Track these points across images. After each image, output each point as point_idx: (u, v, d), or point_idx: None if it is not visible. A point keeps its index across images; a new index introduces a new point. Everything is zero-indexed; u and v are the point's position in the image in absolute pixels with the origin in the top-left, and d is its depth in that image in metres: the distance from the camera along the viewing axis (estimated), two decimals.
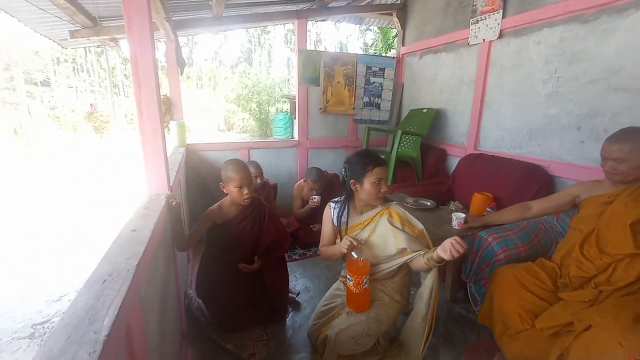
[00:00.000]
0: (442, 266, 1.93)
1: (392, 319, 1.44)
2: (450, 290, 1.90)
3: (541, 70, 2.05)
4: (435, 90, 3.00)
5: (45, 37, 2.64)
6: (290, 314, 1.80)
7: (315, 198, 2.47)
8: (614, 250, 1.25)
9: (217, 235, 1.59)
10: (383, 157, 2.75)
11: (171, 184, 1.37)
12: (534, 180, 1.98)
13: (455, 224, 1.74)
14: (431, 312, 1.36)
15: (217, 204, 1.59)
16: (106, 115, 9.50)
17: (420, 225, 1.43)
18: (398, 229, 1.39)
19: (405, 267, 1.47)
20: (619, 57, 1.67)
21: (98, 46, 3.03)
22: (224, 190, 1.54)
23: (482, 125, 2.52)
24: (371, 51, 11.58)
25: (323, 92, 3.23)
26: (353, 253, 1.43)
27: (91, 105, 9.93)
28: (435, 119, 2.94)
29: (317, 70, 3.14)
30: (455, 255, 1.15)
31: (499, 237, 1.61)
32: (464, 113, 2.68)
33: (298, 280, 2.14)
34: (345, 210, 1.51)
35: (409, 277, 1.56)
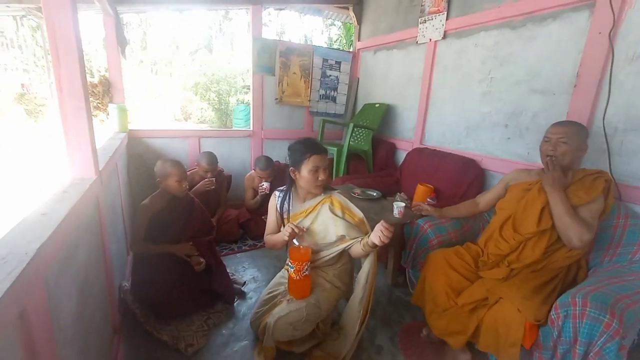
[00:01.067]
0: (385, 253, 2.04)
1: (333, 305, 1.48)
2: (392, 276, 2.01)
3: (478, 70, 2.22)
4: (387, 86, 3.11)
5: None
6: (236, 303, 1.79)
7: (264, 185, 2.45)
8: (524, 230, 1.41)
9: (149, 227, 1.69)
10: (334, 147, 2.81)
11: (101, 169, 1.28)
12: (467, 173, 2.15)
13: (395, 212, 1.84)
14: (367, 295, 1.42)
15: (147, 199, 1.74)
16: (42, 98, 8.50)
17: (360, 214, 1.48)
18: (338, 216, 1.43)
19: (347, 255, 1.52)
20: (539, 62, 1.86)
21: (24, 16, 2.70)
22: (160, 185, 1.74)
23: (427, 121, 2.67)
24: (335, 46, 11.62)
25: (279, 82, 3.19)
26: (295, 240, 1.45)
27: (23, 85, 8.82)
28: (386, 114, 3.05)
29: (272, 59, 3.10)
30: (385, 240, 1.21)
31: (433, 224, 1.74)
32: (412, 109, 2.82)
33: (246, 271, 2.12)
34: (289, 198, 1.52)
35: (351, 264, 1.61)
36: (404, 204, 1.85)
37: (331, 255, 1.47)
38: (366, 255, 1.43)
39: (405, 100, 2.90)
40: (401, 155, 2.93)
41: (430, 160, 2.43)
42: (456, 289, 1.44)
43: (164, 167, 1.71)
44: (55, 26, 1.01)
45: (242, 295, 1.86)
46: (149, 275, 1.60)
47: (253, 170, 2.61)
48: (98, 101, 2.49)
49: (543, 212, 1.37)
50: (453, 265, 1.49)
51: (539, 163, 1.49)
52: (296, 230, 1.39)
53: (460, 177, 2.17)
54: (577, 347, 1.04)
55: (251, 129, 3.22)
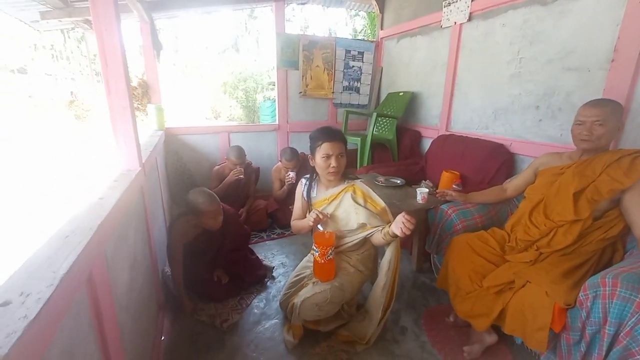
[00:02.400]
0: (409, 239, 2.05)
1: (356, 288, 1.53)
2: (416, 261, 2.02)
3: (506, 51, 2.14)
4: (411, 74, 3.07)
5: (16, 18, 2.59)
6: (266, 285, 1.91)
7: (290, 174, 2.54)
8: (557, 217, 1.37)
9: (186, 249, 1.65)
10: (357, 137, 2.83)
11: (143, 162, 1.42)
12: (496, 158, 2.10)
13: (419, 198, 1.85)
14: (390, 282, 1.45)
15: (181, 227, 1.60)
16: (88, 104, 9.25)
17: (382, 203, 1.49)
18: (360, 205, 1.46)
19: (370, 241, 1.56)
20: (572, 38, 1.76)
21: (72, 29, 2.98)
22: (194, 222, 1.60)
23: (453, 107, 2.61)
24: (360, 36, 11.46)
25: (302, 76, 3.26)
26: (319, 226, 1.52)
27: (72, 93, 9.64)
28: (410, 102, 3.02)
29: (296, 54, 3.17)
30: (406, 231, 1.22)
31: (457, 209, 1.73)
32: (437, 95, 2.76)
33: (275, 257, 2.24)
34: (313, 185, 1.59)
35: (375, 249, 1.64)
36: (427, 190, 1.85)
37: (354, 242, 1.51)
38: (387, 244, 1.45)
39: (430, 87, 2.85)
40: (427, 143, 2.89)
41: (457, 147, 2.39)
42: (480, 272, 1.43)
43: (195, 202, 1.54)
44: (103, 35, 1.14)
45: (272, 278, 1.98)
46: (189, 270, 1.69)
47: (279, 162, 2.71)
48: (138, 102, 2.71)
49: (579, 199, 1.32)
50: (476, 249, 1.49)
51: (573, 145, 1.43)
52: (320, 217, 1.45)
53: (488, 162, 2.11)
54: (607, 327, 1.01)
55: (277, 123, 3.32)
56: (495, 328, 1.38)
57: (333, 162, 1.41)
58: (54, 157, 5.87)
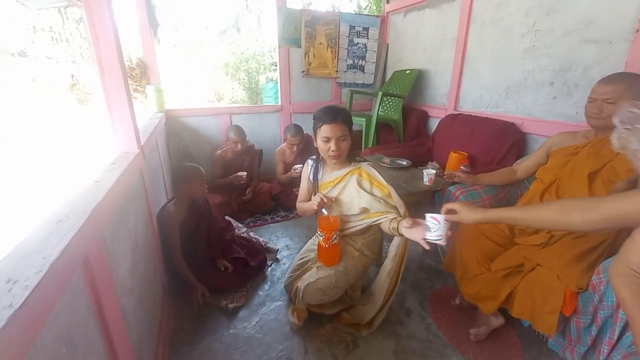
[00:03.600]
0: None
1: (361, 272, 1.52)
2: None
3: (520, 23, 2.01)
4: (419, 50, 2.94)
5: None
6: (270, 267, 1.90)
7: (297, 169, 2.50)
8: (570, 197, 1.31)
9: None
10: (362, 118, 2.75)
11: (142, 143, 1.38)
12: (506, 137, 2.02)
13: (426, 180, 1.80)
14: (397, 267, 1.42)
15: (170, 208, 1.65)
16: (90, 87, 9.16)
17: (388, 186, 1.43)
18: (364, 189, 1.41)
19: (376, 225, 1.52)
20: (593, 7, 1.64)
21: (66, 7, 2.88)
22: (183, 191, 1.69)
23: (463, 85, 2.51)
24: (365, 14, 11.01)
25: (305, 54, 3.14)
26: (324, 210, 1.48)
27: (72, 76, 9.54)
28: (417, 80, 2.91)
29: (298, 30, 3.04)
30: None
31: (465, 190, 1.68)
32: (446, 72, 2.65)
33: (279, 239, 2.23)
34: (318, 167, 1.54)
35: (380, 233, 1.61)
36: (434, 171, 1.80)
37: (360, 227, 1.47)
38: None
39: (438, 63, 2.73)
40: (434, 123, 2.80)
41: (465, 127, 2.31)
42: (488, 255, 1.40)
43: (186, 171, 1.68)
44: (92, 9, 1.07)
45: (277, 261, 1.97)
46: (189, 264, 1.67)
47: (283, 142, 2.66)
48: (137, 84, 2.64)
49: (594, 180, 1.26)
50: (485, 232, 1.45)
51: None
52: (324, 200, 1.41)
53: (498, 142, 2.04)
54: (620, 312, 0.98)
55: (279, 103, 3.24)
56: (502, 310, 1.36)
57: (332, 146, 1.33)
58: (57, 144, 5.85)
